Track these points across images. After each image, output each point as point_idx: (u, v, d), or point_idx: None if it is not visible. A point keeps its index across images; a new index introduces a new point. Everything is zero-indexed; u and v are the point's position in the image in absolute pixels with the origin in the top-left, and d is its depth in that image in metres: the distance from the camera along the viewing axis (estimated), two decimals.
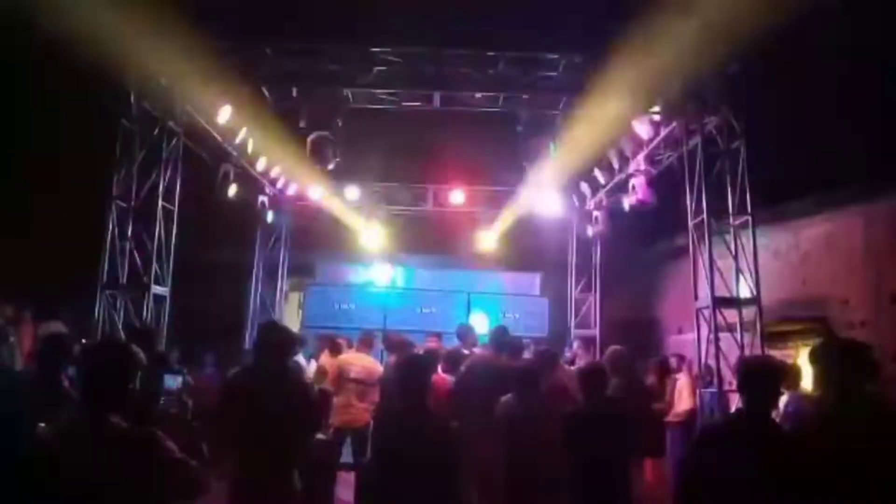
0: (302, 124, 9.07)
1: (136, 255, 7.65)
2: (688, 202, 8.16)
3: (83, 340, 6.12)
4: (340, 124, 9.04)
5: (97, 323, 7.37)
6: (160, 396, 5.37)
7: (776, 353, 7.09)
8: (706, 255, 7.73)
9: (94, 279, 7.55)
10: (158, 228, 7.71)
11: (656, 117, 8.68)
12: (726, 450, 3.13)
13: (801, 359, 8.41)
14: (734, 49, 7.92)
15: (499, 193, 12.03)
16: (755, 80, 8.27)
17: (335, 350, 7.96)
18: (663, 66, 8.13)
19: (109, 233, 7.58)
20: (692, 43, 8.13)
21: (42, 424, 2.61)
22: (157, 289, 7.64)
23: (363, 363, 7.38)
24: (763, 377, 3.28)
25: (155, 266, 7.60)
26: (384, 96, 8.87)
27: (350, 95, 8.79)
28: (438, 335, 8.66)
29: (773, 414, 3.64)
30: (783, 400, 5.87)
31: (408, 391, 3.62)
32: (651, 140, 8.99)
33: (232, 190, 9.60)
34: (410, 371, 3.72)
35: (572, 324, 12.52)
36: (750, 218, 7.80)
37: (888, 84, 9.58)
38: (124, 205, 7.69)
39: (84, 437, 2.45)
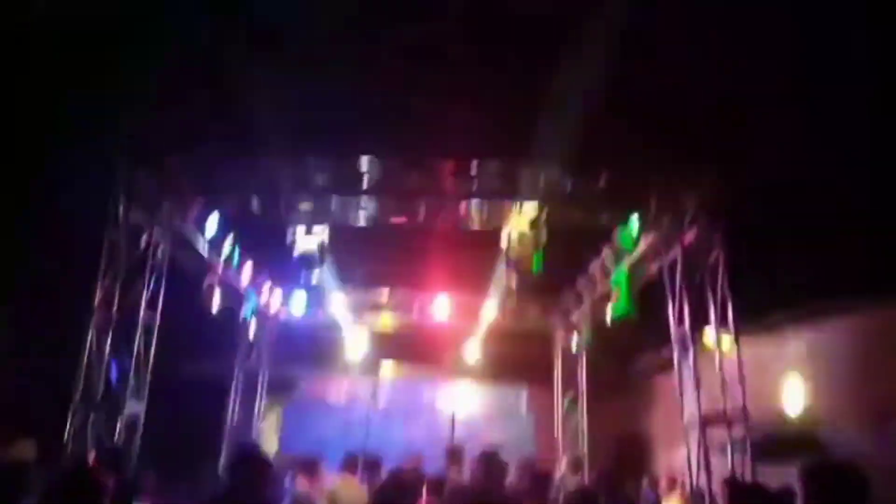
0: (289, 236, 9.13)
1: (114, 368, 7.47)
2: (670, 315, 8.18)
3: (51, 467, 5.83)
4: (327, 236, 9.10)
5: (68, 441, 7.07)
6: None
7: (766, 471, 6.88)
8: (692, 370, 7.66)
9: (69, 393, 7.32)
10: (138, 342, 7.57)
11: (636, 229, 8.83)
12: None
13: (792, 476, 8.18)
14: (710, 162, 8.24)
15: (484, 305, 12.03)
16: (733, 191, 8.47)
17: (312, 474, 7.59)
18: (641, 178, 8.41)
19: (87, 347, 7.42)
20: (669, 156, 8.47)
21: None
22: (132, 405, 7.41)
23: (351, 490, 7.01)
24: None
25: (132, 381, 7.41)
26: (371, 208, 9.00)
27: (337, 207, 8.90)
28: (419, 457, 8.33)
29: None
30: None
31: None
32: (632, 252, 9.11)
33: (215, 302, 9.53)
34: (391, 497, 3.55)
35: (560, 441, 12.19)
36: (734, 331, 7.80)
37: (869, 196, 9.86)
38: (105, 317, 7.57)
39: None
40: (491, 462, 5.98)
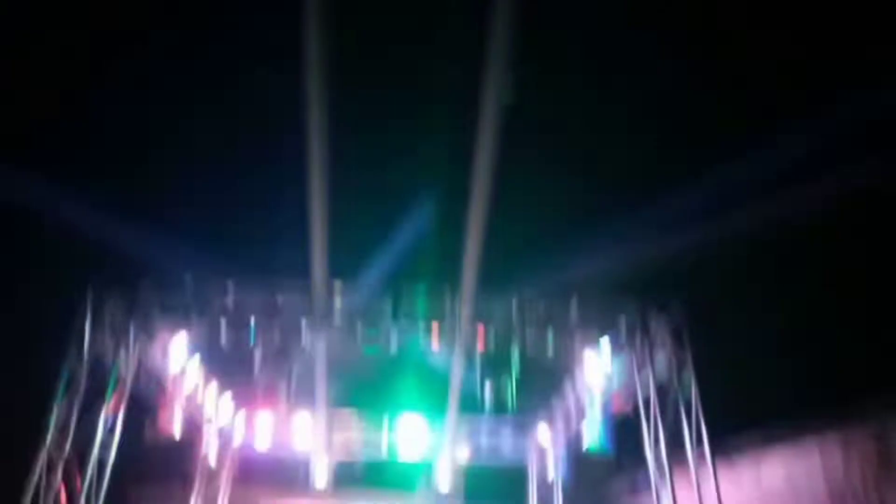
0: (256, 365, 8.91)
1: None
2: (645, 440, 8.06)
3: None
4: (294, 368, 8.89)
5: None
6: None
7: None
8: (669, 497, 7.46)
9: None
10: (91, 476, 7.15)
11: (607, 353, 8.81)
12: None
13: None
14: (675, 285, 8.43)
15: (458, 431, 11.64)
16: (703, 314, 8.57)
17: None
18: (610, 303, 8.55)
19: (34, 482, 6.95)
20: (635, 280, 8.67)
21: None
22: None
23: None
24: None
25: None
26: (342, 335, 8.83)
27: (307, 338, 8.69)
28: None
29: None
30: None
31: None
32: (605, 380, 9.05)
33: (177, 431, 9.15)
34: None
35: None
36: (709, 453, 7.63)
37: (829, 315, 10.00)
38: (56, 451, 7.14)
39: None
40: None
